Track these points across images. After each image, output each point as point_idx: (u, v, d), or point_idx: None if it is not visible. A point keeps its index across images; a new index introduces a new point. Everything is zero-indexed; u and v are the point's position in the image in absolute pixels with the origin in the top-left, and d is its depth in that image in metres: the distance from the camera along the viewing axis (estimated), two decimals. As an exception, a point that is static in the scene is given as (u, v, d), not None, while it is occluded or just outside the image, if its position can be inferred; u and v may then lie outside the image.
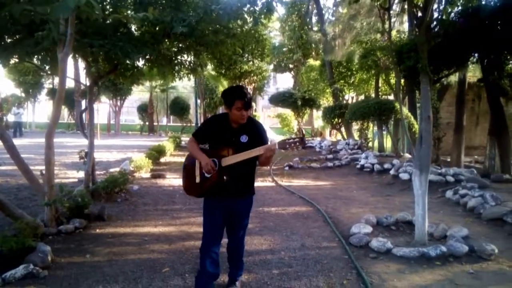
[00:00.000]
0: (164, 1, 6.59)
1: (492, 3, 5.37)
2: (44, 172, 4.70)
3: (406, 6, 4.02)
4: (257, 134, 2.85)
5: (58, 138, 13.65)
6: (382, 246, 4.17)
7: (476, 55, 6.30)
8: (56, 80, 23.94)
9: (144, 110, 26.01)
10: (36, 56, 6.24)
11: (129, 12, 6.08)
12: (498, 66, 6.34)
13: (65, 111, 26.89)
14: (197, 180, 2.80)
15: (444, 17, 3.81)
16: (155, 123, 26.45)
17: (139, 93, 28.26)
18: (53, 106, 4.91)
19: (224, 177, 2.76)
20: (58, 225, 4.65)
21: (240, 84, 15.89)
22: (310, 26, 20.86)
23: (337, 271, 3.66)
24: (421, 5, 4.06)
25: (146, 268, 3.63)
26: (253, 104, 24.01)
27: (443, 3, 4.74)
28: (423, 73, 4.25)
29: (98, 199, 6.06)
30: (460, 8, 5.51)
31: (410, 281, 3.47)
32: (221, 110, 21.33)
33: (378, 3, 4.16)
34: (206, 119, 3.05)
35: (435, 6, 4.69)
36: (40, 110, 28.09)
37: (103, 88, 19.61)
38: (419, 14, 4.08)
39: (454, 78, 9.13)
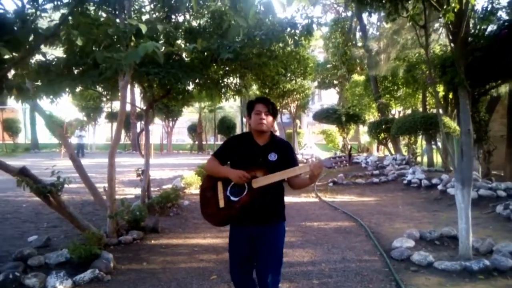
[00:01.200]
0: (211, 29, 7.11)
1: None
2: (107, 188, 5.26)
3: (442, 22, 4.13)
4: (287, 151, 2.58)
5: (115, 158, 14.75)
6: (424, 260, 4.21)
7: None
8: (114, 104, 25.85)
9: (194, 130, 27.14)
10: (100, 84, 6.96)
11: (181, 44, 6.68)
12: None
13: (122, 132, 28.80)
14: (221, 204, 2.42)
15: (478, 32, 3.85)
16: (203, 142, 27.45)
17: (188, 114, 29.49)
18: (115, 128, 5.50)
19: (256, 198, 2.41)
20: (119, 236, 5.15)
21: (284, 102, 16.26)
22: (354, 42, 20.91)
23: (376, 282, 3.77)
24: (455, 22, 4.16)
25: (195, 275, 3.97)
26: (298, 121, 24.25)
27: (478, 18, 4.77)
28: (460, 87, 4.31)
29: (152, 213, 6.56)
30: (502, 20, 5.46)
31: (450, 293, 3.50)
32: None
33: (411, 22, 4.32)
34: (227, 139, 2.73)
35: (473, 20, 4.74)
36: (100, 132, 30.20)
37: (156, 111, 20.90)
38: (455, 29, 4.19)
39: (505, 89, 8.83)
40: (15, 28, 3.16)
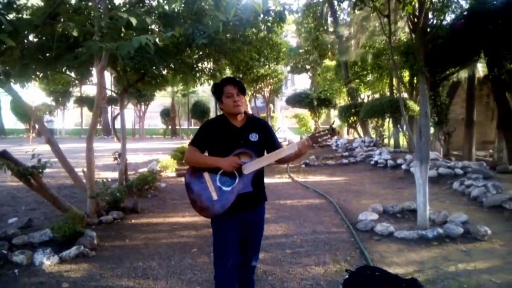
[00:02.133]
0: (185, 14, 7.21)
1: (489, 4, 5.74)
2: (85, 171, 5.39)
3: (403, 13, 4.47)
4: (266, 130, 2.48)
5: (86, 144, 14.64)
6: (385, 230, 4.65)
7: (478, 53, 6.64)
8: (84, 88, 25.22)
9: (167, 114, 26.96)
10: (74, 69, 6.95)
11: (155, 28, 6.76)
12: (498, 63, 6.67)
13: (89, 117, 28.24)
14: (214, 197, 2.28)
15: (436, 22, 4.22)
16: (177, 127, 27.37)
17: (161, 99, 29.24)
18: (92, 113, 5.59)
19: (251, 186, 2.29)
20: (99, 216, 5.32)
21: (257, 87, 16.47)
22: (325, 28, 21.25)
23: (343, 250, 4.16)
24: (416, 13, 4.51)
25: (177, 249, 4.24)
26: (271, 105, 24.56)
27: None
28: (419, 73, 4.70)
29: (131, 195, 6.72)
30: (459, 11, 5.90)
31: (407, 257, 3.94)
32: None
33: (376, 12, 4.64)
34: (201, 125, 2.52)
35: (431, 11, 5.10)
36: (68, 117, 29.48)
37: (128, 95, 20.64)
38: (415, 20, 4.55)
39: (464, 74, 9.42)
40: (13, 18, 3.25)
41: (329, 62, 20.12)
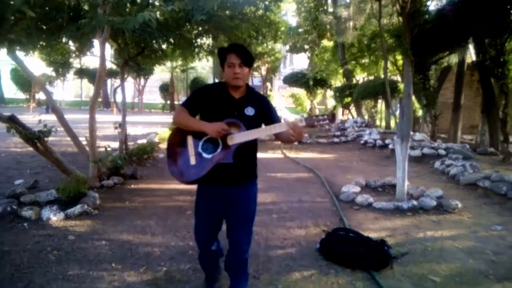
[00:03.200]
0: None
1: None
2: (88, 137, 5.71)
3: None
4: (265, 106, 2.36)
5: (86, 115, 14.90)
6: (365, 201, 5.05)
7: (466, 39, 6.91)
8: (84, 60, 25.17)
9: (166, 89, 27.14)
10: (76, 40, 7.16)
11: (154, 1, 6.94)
12: (483, 49, 6.95)
13: (90, 89, 28.28)
14: (192, 161, 2.20)
15: (421, 7, 4.48)
16: (175, 102, 27.56)
17: (160, 73, 29.31)
18: (95, 84, 5.85)
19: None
20: (100, 181, 5.68)
21: (255, 65, 16.60)
22: (325, 8, 21.22)
23: (324, 217, 4.56)
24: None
25: (173, 211, 4.62)
26: (269, 84, 24.70)
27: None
28: (404, 57, 4.99)
29: (130, 164, 7.07)
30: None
31: (381, 225, 4.34)
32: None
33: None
34: (197, 88, 2.45)
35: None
36: (68, 88, 29.54)
37: (128, 68, 20.75)
38: (403, 4, 4.81)
39: (455, 59, 9.68)
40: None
41: (327, 43, 20.19)
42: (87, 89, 33.27)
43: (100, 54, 5.88)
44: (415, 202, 4.89)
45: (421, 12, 4.49)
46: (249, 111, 2.27)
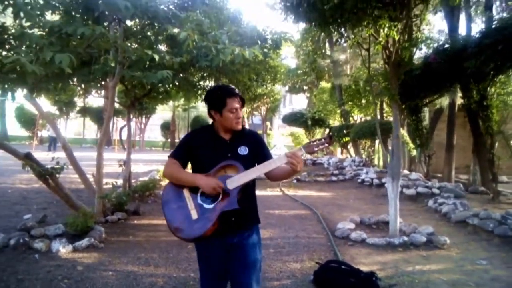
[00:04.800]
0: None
1: (458, 43, 6.52)
2: (95, 174, 6.02)
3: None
4: (257, 141, 2.27)
5: (89, 153, 15.32)
6: (359, 237, 5.28)
7: (451, 84, 7.39)
8: (87, 99, 25.92)
9: (167, 127, 27.72)
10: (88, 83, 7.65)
11: (161, 48, 7.49)
12: (467, 94, 7.44)
13: (91, 127, 28.90)
14: (194, 216, 2.03)
15: (405, 58, 4.92)
16: (176, 140, 28.04)
17: (161, 112, 30.03)
18: (104, 123, 6.25)
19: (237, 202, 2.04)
20: (105, 216, 5.93)
21: (255, 105, 17.21)
22: (323, 51, 22.22)
23: (319, 252, 4.78)
24: (390, 48, 5.25)
25: (175, 245, 4.84)
26: (268, 123, 25.31)
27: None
28: (393, 101, 5.41)
29: (133, 200, 7.34)
30: (433, 46, 6.67)
31: (373, 259, 4.56)
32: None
33: (357, 45, 5.37)
34: (185, 135, 2.32)
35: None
36: (71, 126, 30.19)
37: (135, 108, 21.46)
38: (389, 54, 5.28)
39: (446, 101, 10.16)
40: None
41: (325, 84, 20.97)
42: (89, 127, 33.99)
43: (110, 96, 6.32)
44: (406, 238, 5.12)
45: (406, 62, 4.92)
46: (243, 150, 2.18)
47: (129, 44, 5.73)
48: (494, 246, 5.06)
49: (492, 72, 6.11)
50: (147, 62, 4.85)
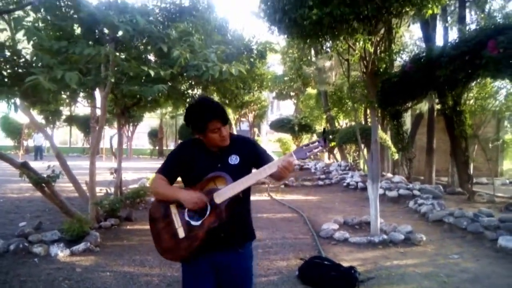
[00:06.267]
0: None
1: (433, 52, 6.96)
2: (88, 181, 6.23)
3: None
4: (251, 148, 2.13)
5: (75, 162, 15.37)
6: (342, 237, 5.60)
7: (426, 91, 7.83)
8: (73, 108, 25.85)
9: (154, 135, 27.80)
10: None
11: (150, 58, 7.75)
12: (442, 100, 7.89)
13: (77, 136, 28.78)
14: (181, 234, 1.92)
15: (380, 68, 5.31)
16: (164, 148, 28.14)
17: (148, 120, 30.11)
18: (96, 132, 6.47)
19: (224, 217, 1.92)
20: (98, 222, 6.13)
21: (242, 112, 17.49)
22: (309, 58, 22.70)
23: (305, 251, 5.08)
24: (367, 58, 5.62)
25: (167, 247, 5.08)
26: (256, 129, 25.63)
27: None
28: (371, 107, 5.78)
29: (124, 207, 7.54)
30: (409, 54, 7.11)
31: (354, 256, 4.88)
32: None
33: (338, 56, 5.74)
34: (172, 149, 2.23)
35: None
36: (57, 135, 30.03)
37: (113, 115, 21.53)
38: (366, 64, 5.66)
39: (425, 107, 10.63)
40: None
41: (311, 90, 21.42)
42: (75, 136, 33.84)
43: (101, 106, 6.55)
44: (385, 236, 5.47)
45: (382, 72, 5.29)
46: (233, 159, 2.05)
47: (117, 54, 5.99)
48: (466, 242, 5.45)
49: (464, 80, 6.54)
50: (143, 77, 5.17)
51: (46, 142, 27.18)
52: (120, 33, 4.85)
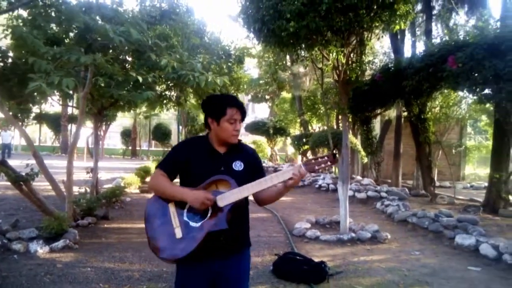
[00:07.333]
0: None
1: (399, 63, 7.47)
2: (65, 180, 6.27)
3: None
4: (254, 159, 2.09)
5: (46, 160, 15.00)
6: (313, 235, 5.92)
7: (394, 99, 8.33)
8: (43, 106, 25.21)
9: (127, 135, 27.48)
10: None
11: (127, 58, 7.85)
12: (408, 108, 8.44)
13: (46, 134, 28.06)
14: (178, 234, 1.85)
15: (351, 77, 5.68)
16: (137, 148, 27.87)
17: (120, 119, 29.73)
18: (74, 131, 6.52)
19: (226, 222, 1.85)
20: (75, 221, 6.18)
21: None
22: (284, 62, 23.14)
23: (278, 248, 5.35)
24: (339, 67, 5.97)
25: (146, 245, 5.15)
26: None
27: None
28: (342, 113, 6.13)
29: (100, 206, 7.58)
30: (379, 64, 7.56)
31: (325, 252, 5.20)
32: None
33: (312, 64, 6.06)
34: (176, 145, 2.16)
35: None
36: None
37: (90, 115, 21.20)
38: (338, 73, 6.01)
39: (393, 113, 11.20)
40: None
41: (286, 94, 21.86)
42: (45, 134, 32.97)
43: (80, 106, 6.59)
44: (354, 235, 5.83)
45: (353, 81, 5.66)
46: (238, 165, 1.99)
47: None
48: (428, 240, 5.89)
49: (428, 90, 7.03)
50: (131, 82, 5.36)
51: (15, 140, 26.45)
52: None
